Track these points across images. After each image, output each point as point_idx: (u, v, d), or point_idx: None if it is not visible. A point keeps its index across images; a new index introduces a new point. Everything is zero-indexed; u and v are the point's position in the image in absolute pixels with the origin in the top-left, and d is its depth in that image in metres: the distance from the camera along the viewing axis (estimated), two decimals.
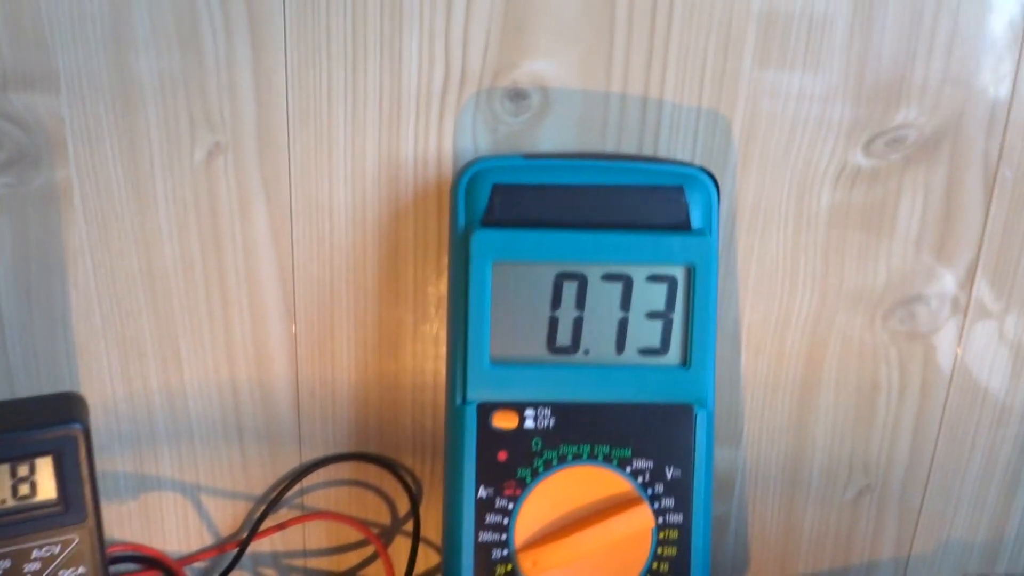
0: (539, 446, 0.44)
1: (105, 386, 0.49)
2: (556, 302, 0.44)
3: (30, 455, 0.38)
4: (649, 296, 0.44)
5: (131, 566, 0.51)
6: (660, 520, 0.45)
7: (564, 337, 0.44)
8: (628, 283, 0.44)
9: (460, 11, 0.43)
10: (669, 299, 0.44)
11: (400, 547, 0.53)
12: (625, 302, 0.44)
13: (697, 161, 0.47)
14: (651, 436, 0.44)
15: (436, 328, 0.49)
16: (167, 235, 0.46)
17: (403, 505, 0.53)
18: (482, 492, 0.44)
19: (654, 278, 0.44)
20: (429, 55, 0.44)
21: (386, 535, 0.53)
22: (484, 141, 0.46)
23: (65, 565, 0.40)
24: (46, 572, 0.40)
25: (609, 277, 0.44)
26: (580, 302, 0.44)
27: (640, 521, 0.44)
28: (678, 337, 0.44)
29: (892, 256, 0.49)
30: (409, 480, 0.52)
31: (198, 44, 0.43)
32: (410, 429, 0.51)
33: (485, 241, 0.43)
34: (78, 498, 0.39)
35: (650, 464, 0.44)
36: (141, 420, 0.50)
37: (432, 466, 0.52)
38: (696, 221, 0.44)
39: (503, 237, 0.43)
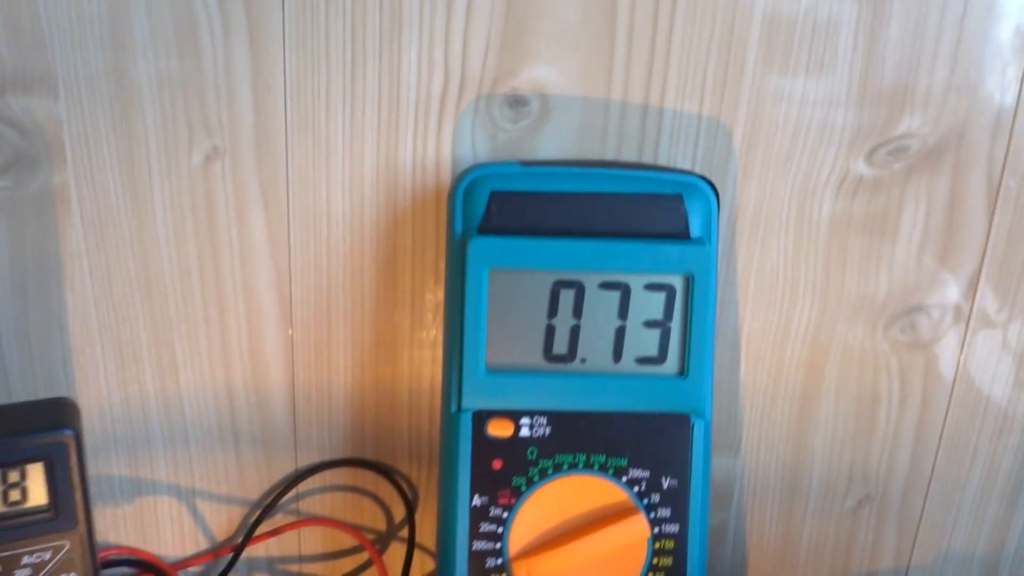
0: (534, 455, 0.44)
1: (101, 390, 0.49)
2: (553, 310, 0.43)
3: (21, 461, 0.38)
4: (647, 305, 0.44)
5: (126, 570, 0.51)
6: (656, 530, 0.44)
7: (561, 345, 0.44)
8: (626, 292, 0.43)
9: (460, 17, 0.43)
10: (667, 308, 0.44)
11: (396, 554, 0.53)
12: (623, 311, 0.43)
13: (698, 169, 0.46)
14: (648, 446, 0.44)
15: (433, 334, 0.49)
16: (164, 239, 0.46)
17: (399, 511, 0.53)
18: (477, 500, 0.44)
19: (652, 287, 0.43)
20: (428, 61, 0.44)
21: (382, 541, 0.53)
22: (483, 148, 0.46)
23: (56, 572, 0.39)
24: None
25: (607, 285, 0.43)
26: (577, 310, 0.43)
27: (636, 531, 0.44)
28: (676, 346, 0.44)
29: (894, 265, 0.49)
30: (405, 486, 0.52)
31: (196, 48, 0.43)
32: (406, 435, 0.51)
33: (482, 248, 0.43)
34: (69, 504, 0.39)
35: (646, 474, 0.44)
36: (137, 424, 0.49)
37: (428, 472, 0.52)
38: (695, 230, 0.43)
39: (500, 244, 0.43)
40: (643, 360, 0.44)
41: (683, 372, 0.44)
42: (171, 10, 0.42)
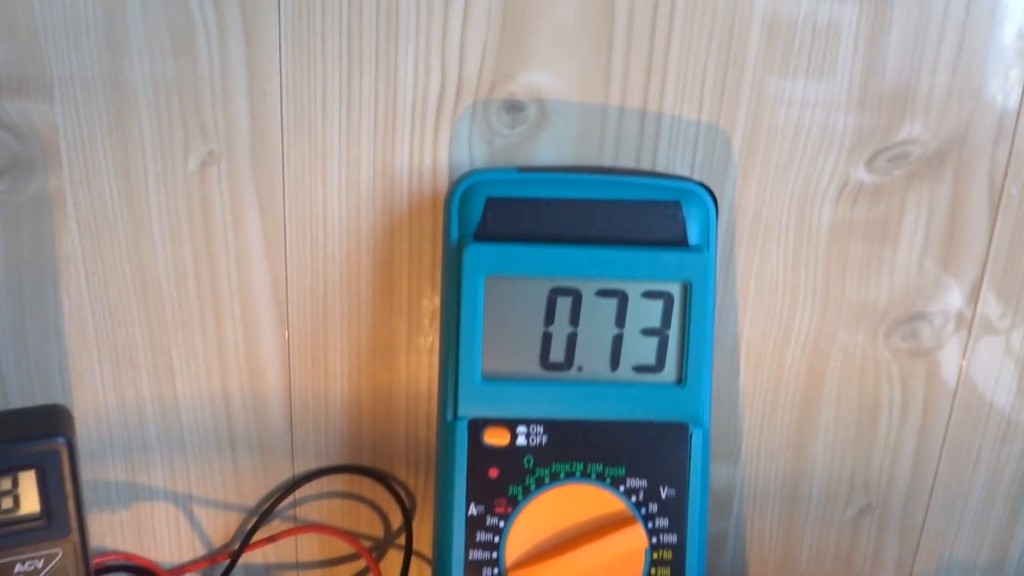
0: (531, 464, 0.44)
1: (97, 395, 0.48)
2: (550, 318, 0.43)
3: (13, 468, 0.38)
4: (644, 313, 0.43)
5: (122, 575, 0.50)
6: (654, 540, 0.44)
7: (557, 353, 0.43)
8: (623, 299, 0.43)
9: (457, 21, 0.43)
10: (665, 316, 0.43)
11: (393, 561, 0.53)
12: (620, 318, 0.43)
13: (697, 174, 0.46)
14: (645, 455, 0.44)
15: (431, 340, 0.48)
16: (160, 244, 0.46)
17: (396, 518, 0.52)
18: (473, 509, 0.43)
19: (650, 294, 0.43)
20: (425, 65, 0.44)
21: (379, 548, 0.53)
22: (480, 153, 0.45)
23: None
24: None
25: (604, 293, 0.43)
26: (574, 318, 0.43)
27: (633, 541, 0.44)
28: (674, 354, 0.44)
29: (895, 272, 0.48)
30: (402, 493, 0.51)
31: (193, 52, 0.43)
32: (403, 441, 0.51)
33: (478, 255, 0.42)
34: (62, 512, 0.39)
35: (644, 483, 0.44)
36: (133, 429, 0.49)
37: (426, 479, 0.51)
38: (693, 237, 0.43)
39: (496, 251, 0.42)
40: (640, 368, 0.44)
41: (681, 381, 0.44)
42: (167, 14, 0.42)
